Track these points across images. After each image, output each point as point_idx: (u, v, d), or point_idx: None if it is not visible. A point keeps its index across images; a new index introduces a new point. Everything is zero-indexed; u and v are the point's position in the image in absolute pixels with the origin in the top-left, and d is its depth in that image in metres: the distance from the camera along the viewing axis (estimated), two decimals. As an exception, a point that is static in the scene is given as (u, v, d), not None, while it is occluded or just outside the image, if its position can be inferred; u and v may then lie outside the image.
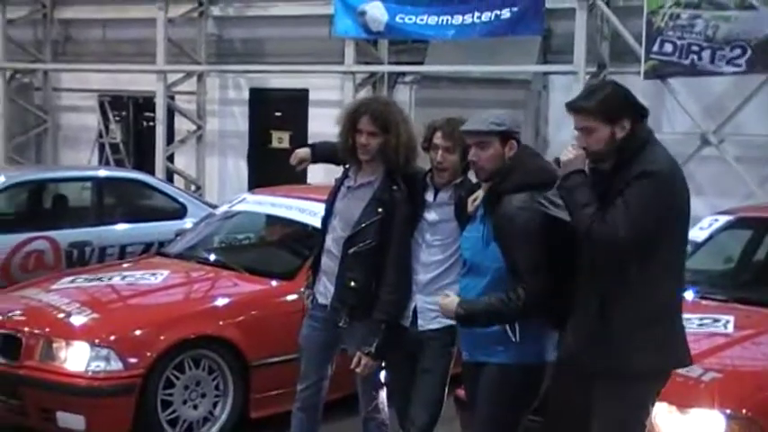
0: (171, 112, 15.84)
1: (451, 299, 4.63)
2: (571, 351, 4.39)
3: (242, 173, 15.71)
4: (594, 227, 4.10)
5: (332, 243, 5.49)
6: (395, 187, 5.32)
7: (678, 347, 4.42)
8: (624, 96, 4.34)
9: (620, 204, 4.12)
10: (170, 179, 14.68)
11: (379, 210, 5.31)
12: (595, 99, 4.30)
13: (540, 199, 4.44)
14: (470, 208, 4.82)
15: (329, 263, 5.51)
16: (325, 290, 5.52)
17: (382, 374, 5.41)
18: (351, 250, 5.34)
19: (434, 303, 5.01)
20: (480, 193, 4.76)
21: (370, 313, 5.25)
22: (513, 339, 4.58)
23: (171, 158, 15.84)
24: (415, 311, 5.18)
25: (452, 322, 4.77)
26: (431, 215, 5.18)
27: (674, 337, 4.40)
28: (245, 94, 15.81)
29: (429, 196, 5.20)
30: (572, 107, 4.34)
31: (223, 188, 15.45)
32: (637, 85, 11.88)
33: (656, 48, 11.63)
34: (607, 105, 4.26)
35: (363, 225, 5.33)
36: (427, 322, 5.13)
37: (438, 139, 5.07)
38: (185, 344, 6.54)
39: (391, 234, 5.27)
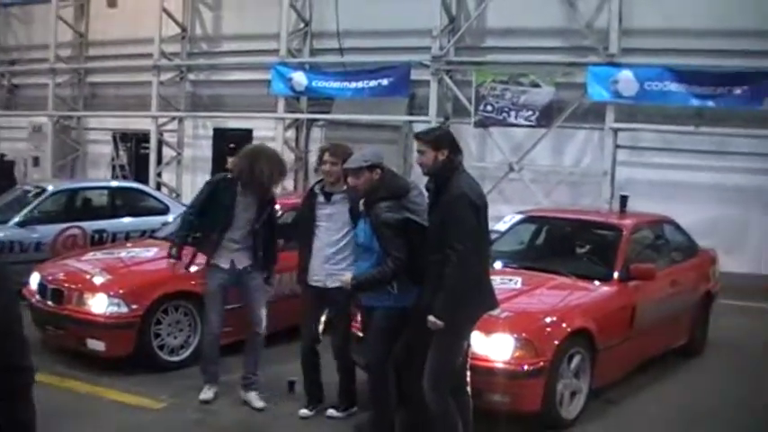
0: (160, 144, 15.61)
1: (348, 276, 4.76)
2: (425, 303, 4.41)
3: (207, 185, 15.59)
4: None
5: None
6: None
7: (488, 299, 4.52)
8: (448, 137, 4.53)
9: (453, 224, 4.23)
10: (158, 189, 14.38)
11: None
12: (431, 134, 4.51)
13: (401, 207, 4.60)
14: (361, 208, 4.92)
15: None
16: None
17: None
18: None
19: (336, 271, 5.10)
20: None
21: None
22: (393, 292, 4.70)
23: (160, 175, 15.61)
24: (324, 277, 5.20)
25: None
26: (327, 210, 5.21)
27: (485, 292, 4.49)
28: (210, 132, 15.63)
29: (321, 198, 5.22)
30: (416, 136, 4.57)
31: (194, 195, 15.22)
32: (469, 131, 12.19)
33: (481, 107, 11.88)
34: (436, 139, 4.45)
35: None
36: (332, 282, 5.17)
37: (327, 157, 5.17)
38: (169, 296, 6.44)
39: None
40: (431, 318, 4.29)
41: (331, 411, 5.37)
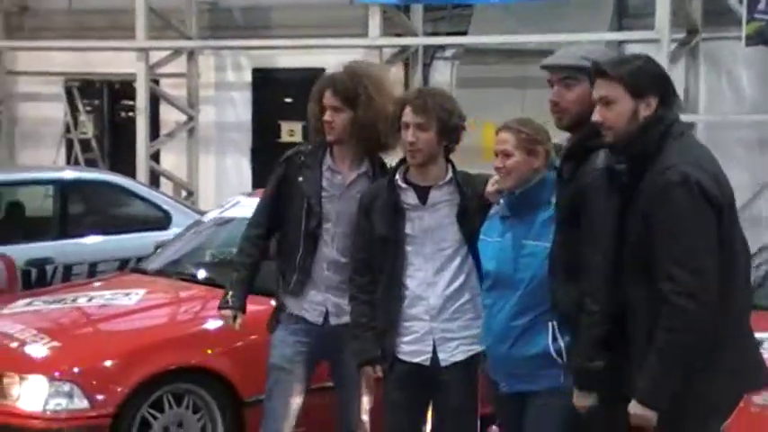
0: (155, 100, 15.83)
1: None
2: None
3: (245, 174, 15.82)
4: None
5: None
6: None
7: (751, 367, 4.49)
8: (657, 72, 4.50)
9: (668, 234, 4.18)
10: (155, 183, 14.79)
11: None
12: (625, 67, 4.45)
13: None
14: (489, 188, 4.96)
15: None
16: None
17: None
18: None
19: (455, 330, 5.20)
20: (496, 177, 4.88)
21: None
22: (561, 362, 4.75)
23: (156, 157, 15.86)
24: (433, 344, 5.24)
25: (478, 348, 4.99)
26: (422, 219, 5.25)
27: (743, 354, 4.46)
28: (247, 77, 15.96)
29: (411, 197, 5.27)
30: (597, 69, 4.47)
31: (221, 193, 15.32)
32: (737, 53, 12.10)
33: (761, 5, 11.62)
34: (637, 76, 4.41)
35: None
36: (450, 354, 5.23)
37: (409, 115, 5.17)
38: (164, 377, 6.58)
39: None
40: (635, 408, 4.27)
41: None
